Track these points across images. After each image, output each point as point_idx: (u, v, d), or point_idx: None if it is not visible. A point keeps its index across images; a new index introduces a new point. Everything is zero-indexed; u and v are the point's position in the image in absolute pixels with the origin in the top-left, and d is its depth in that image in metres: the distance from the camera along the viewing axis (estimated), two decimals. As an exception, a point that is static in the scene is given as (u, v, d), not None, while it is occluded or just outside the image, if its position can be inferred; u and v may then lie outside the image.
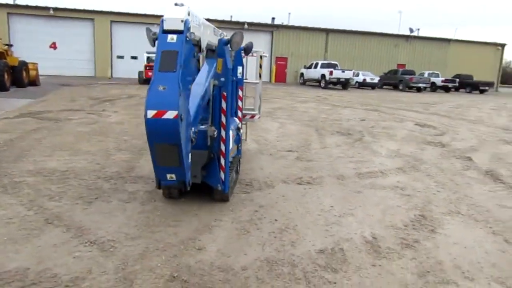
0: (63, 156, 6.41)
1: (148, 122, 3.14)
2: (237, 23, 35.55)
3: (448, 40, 41.43)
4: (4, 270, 3.02)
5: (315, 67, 31.84)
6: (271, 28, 37.14)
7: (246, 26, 35.28)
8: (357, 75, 32.68)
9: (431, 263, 3.44)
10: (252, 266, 3.23)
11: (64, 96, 16.10)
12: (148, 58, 25.72)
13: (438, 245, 3.81)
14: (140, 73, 26.33)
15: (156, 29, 3.56)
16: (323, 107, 16.30)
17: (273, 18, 38.76)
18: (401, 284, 3.10)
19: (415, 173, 6.44)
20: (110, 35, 34.06)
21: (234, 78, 5.12)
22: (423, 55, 40.97)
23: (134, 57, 34.14)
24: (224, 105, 4.27)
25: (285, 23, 38.97)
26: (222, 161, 4.34)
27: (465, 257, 3.60)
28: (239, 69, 5.37)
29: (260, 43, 34.76)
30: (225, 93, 4.25)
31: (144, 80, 25.19)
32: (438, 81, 34.54)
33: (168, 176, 3.49)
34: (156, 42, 3.73)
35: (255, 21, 35.89)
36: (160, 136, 3.20)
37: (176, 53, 3.17)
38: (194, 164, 3.89)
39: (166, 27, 3.32)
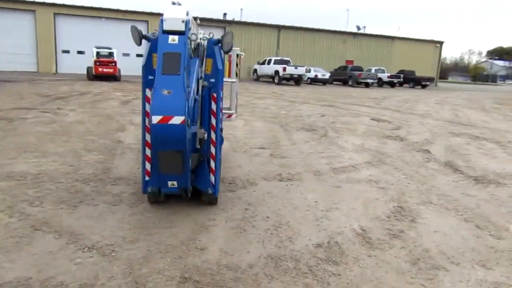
0: (30, 158, 6.09)
1: (154, 128, 2.99)
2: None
3: (392, 38, 43.45)
4: (4, 281, 2.89)
5: (268, 63, 32.19)
6: (223, 24, 37.01)
7: (198, 21, 34.78)
8: (309, 71, 33.47)
9: (419, 251, 3.71)
10: (258, 263, 3.31)
11: (10, 93, 15.15)
12: (98, 53, 24.72)
13: (421, 234, 4.10)
14: (89, 68, 25.25)
15: (152, 28, 3.54)
16: (281, 103, 16.58)
17: (224, 14, 38.69)
18: (398, 272, 3.32)
19: (383, 166, 6.80)
20: (54, 28, 32.33)
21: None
22: (370, 51, 42.70)
23: (81, 52, 32.69)
24: (214, 107, 4.22)
25: (237, 19, 39.00)
26: (212, 164, 4.26)
27: (447, 243, 3.91)
28: None
29: (213, 38, 34.55)
30: (215, 95, 4.18)
31: (94, 76, 24.18)
32: (384, 76, 36.22)
33: (170, 183, 3.40)
34: (145, 41, 3.70)
35: (207, 16, 35.54)
36: (166, 142, 3.08)
37: (179, 55, 3.07)
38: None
39: (166, 27, 3.21)
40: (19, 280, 2.91)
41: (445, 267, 3.44)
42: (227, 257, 3.39)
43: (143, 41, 4.61)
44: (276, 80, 30.39)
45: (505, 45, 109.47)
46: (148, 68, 4.06)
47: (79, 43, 32.26)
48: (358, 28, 42.76)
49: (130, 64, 31.63)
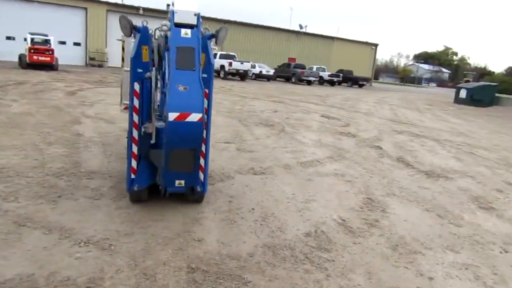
0: (-14, 152, 5.70)
1: (170, 125, 2.84)
2: (132, 7, 33.86)
3: (332, 38, 45.20)
4: (6, 278, 2.78)
5: (214, 57, 32.01)
6: (166, 15, 36.12)
7: (141, 11, 33.80)
8: (254, 67, 33.83)
9: (396, 238, 4.07)
10: (256, 253, 3.46)
11: None
12: (32, 40, 23.11)
13: (393, 223, 4.49)
14: (22, 56, 23.49)
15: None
16: (233, 98, 16.70)
17: (168, 5, 37.75)
18: (383, 257, 3.64)
19: (344, 161, 7.22)
20: (-21, 10, 29.66)
21: None
22: (311, 50, 44.06)
23: (10, 38, 30.33)
24: (206, 103, 4.10)
25: (181, 11, 38.26)
26: (202, 161, 4.12)
27: (417, 231, 4.32)
28: None
29: (157, 30, 33.77)
30: (207, 91, 4.02)
31: (27, 64, 22.57)
32: (325, 75, 37.62)
33: (177, 182, 3.25)
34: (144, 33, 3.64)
35: (151, 6, 34.56)
36: (182, 140, 2.96)
37: (193, 50, 2.97)
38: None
39: (177, 20, 3.04)
40: (21, 276, 2.81)
41: (421, 252, 3.82)
42: (226, 248, 3.50)
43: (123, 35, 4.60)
44: (221, 75, 30.37)
45: (429, 50, 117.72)
46: (137, 60, 4.02)
47: (8, 27, 29.89)
48: (301, 27, 43.96)
49: (67, 53, 29.96)
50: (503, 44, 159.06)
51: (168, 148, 2.93)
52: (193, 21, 3.02)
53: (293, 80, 35.58)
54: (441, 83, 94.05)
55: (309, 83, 35.57)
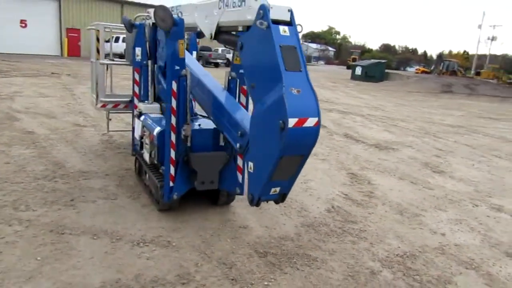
0: None
1: (290, 132, 2.50)
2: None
3: (121, 2, 43.03)
4: (95, 287, 2.70)
5: (116, 41, 30.21)
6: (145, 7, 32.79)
7: None
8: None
9: (395, 205, 4.71)
10: (301, 232, 3.78)
11: None
12: None
13: (384, 192, 5.13)
14: None
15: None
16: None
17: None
18: (398, 221, 4.23)
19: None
20: None
21: None
22: (102, 15, 41.31)
23: None
24: (244, 100, 3.85)
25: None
26: (239, 161, 3.92)
27: (406, 197, 5.02)
28: (194, 54, 5.34)
29: (47, 11, 30.73)
30: (244, 87, 3.75)
31: None
32: (230, 57, 37.96)
33: (273, 190, 2.89)
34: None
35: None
36: (298, 147, 2.66)
37: (295, 49, 2.67)
38: (212, 168, 3.74)
39: (273, 16, 2.69)
40: (109, 283, 2.75)
41: (421, 214, 4.50)
42: (273, 231, 3.75)
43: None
44: (127, 59, 28.86)
45: (316, 29, 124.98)
46: (175, 56, 3.67)
47: None
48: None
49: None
50: (378, 23, 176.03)
51: (280, 156, 2.62)
52: (287, 17, 2.71)
53: (200, 62, 35.27)
54: (328, 61, 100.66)
55: (216, 65, 35.64)
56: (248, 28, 2.81)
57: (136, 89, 4.86)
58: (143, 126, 4.24)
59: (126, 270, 2.92)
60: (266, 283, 2.92)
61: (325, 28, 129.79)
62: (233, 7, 2.94)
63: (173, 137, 3.63)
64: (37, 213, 3.69)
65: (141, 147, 4.32)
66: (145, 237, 3.43)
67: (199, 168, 3.68)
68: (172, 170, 3.69)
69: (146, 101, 4.64)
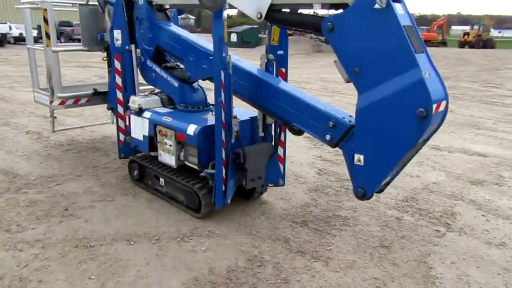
0: None
1: (435, 118, 2.31)
2: None
3: None
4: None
5: None
6: None
7: None
8: (10, 28, 28.44)
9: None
10: (314, 197, 4.02)
11: None
12: None
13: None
14: None
15: None
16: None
17: None
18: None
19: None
20: None
21: None
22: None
23: None
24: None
25: None
26: (280, 151, 3.63)
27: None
28: None
29: None
30: (283, 70, 3.42)
31: None
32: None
33: (385, 181, 2.71)
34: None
35: None
36: (429, 133, 2.51)
37: (413, 28, 2.40)
38: (260, 162, 3.36)
39: None
40: (191, 283, 2.63)
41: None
42: (290, 201, 3.90)
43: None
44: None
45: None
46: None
47: None
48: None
49: None
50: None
51: (414, 145, 2.42)
52: None
53: (61, 40, 31.72)
54: (191, 30, 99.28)
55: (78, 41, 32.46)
56: (336, 6, 2.60)
57: (118, 80, 4.14)
58: (154, 125, 3.62)
59: (195, 267, 2.81)
60: (328, 247, 3.11)
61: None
62: None
63: (223, 134, 3.10)
64: (39, 231, 3.22)
65: (152, 149, 3.74)
66: (182, 231, 3.28)
67: (250, 164, 3.26)
68: (223, 172, 3.18)
69: (141, 94, 4.00)
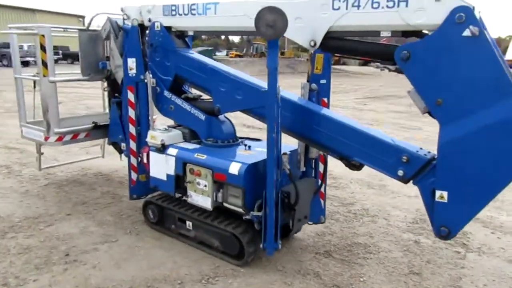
0: None
1: None
2: None
3: (33, 10, 39.58)
4: None
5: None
6: None
7: None
8: None
9: (356, 179, 5.24)
10: (326, 224, 3.92)
11: None
12: None
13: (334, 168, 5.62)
14: None
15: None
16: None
17: None
18: (376, 194, 4.76)
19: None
20: None
21: None
22: (9, 23, 37.26)
23: None
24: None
25: None
26: (322, 185, 3.35)
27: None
28: None
29: None
30: (325, 100, 3.07)
31: None
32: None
33: None
34: None
35: None
36: None
37: (502, 57, 2.32)
38: (306, 199, 3.10)
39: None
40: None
41: (383, 181, 5.15)
42: (305, 230, 3.77)
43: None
44: None
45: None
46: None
47: None
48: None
49: None
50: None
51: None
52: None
53: (4, 63, 29.99)
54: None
55: (26, 64, 30.80)
56: (408, 33, 2.50)
57: (132, 113, 3.76)
58: (184, 163, 3.25)
59: None
60: (361, 279, 3.01)
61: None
62: (375, 7, 2.50)
63: (275, 172, 2.79)
64: (44, 283, 2.86)
65: (179, 188, 3.35)
66: (204, 272, 3.05)
67: (300, 202, 2.95)
68: (273, 214, 2.82)
69: (161, 128, 3.59)
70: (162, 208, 3.62)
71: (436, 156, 2.41)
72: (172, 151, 3.36)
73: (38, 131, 4.22)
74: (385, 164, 2.61)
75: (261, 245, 2.91)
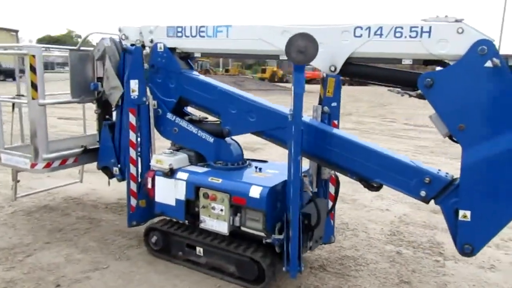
0: None
1: None
2: None
3: None
4: None
5: None
6: None
7: None
8: None
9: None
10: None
11: None
12: None
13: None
14: None
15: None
16: None
17: None
18: (351, 209, 5.00)
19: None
20: None
21: None
22: None
23: None
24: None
25: None
26: (330, 204, 3.32)
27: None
28: None
29: None
30: (336, 122, 3.12)
31: None
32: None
33: None
34: None
35: None
36: None
37: None
38: (323, 219, 3.07)
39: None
40: None
41: (353, 195, 5.42)
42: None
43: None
44: None
45: (53, 33, 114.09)
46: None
47: None
48: None
49: None
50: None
51: None
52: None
53: None
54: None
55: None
56: (433, 62, 2.71)
57: (133, 137, 3.62)
58: (196, 187, 3.19)
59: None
60: (358, 290, 3.17)
61: (64, 32, 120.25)
62: (397, 37, 2.71)
63: (297, 194, 2.75)
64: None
65: (188, 213, 3.29)
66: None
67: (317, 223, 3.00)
68: (297, 236, 2.77)
69: (167, 152, 3.48)
70: (168, 234, 3.50)
71: (455, 177, 2.63)
72: (182, 175, 3.28)
73: (21, 158, 3.90)
74: (406, 185, 2.76)
75: (284, 268, 2.87)
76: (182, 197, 3.27)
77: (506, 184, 2.42)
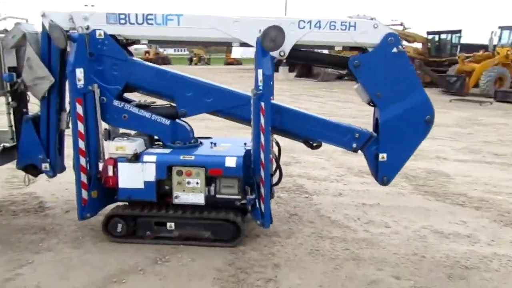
0: None
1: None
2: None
3: None
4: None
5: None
6: None
7: None
8: None
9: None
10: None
11: None
12: None
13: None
14: None
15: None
16: None
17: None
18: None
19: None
20: None
21: None
22: None
23: None
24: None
25: None
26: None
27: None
28: None
29: None
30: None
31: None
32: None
33: None
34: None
35: None
36: None
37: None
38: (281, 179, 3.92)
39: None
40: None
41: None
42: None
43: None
44: None
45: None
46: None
47: None
48: None
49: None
50: None
51: (422, 140, 3.55)
52: None
53: None
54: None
55: None
56: (357, 49, 3.51)
57: (81, 127, 3.46)
58: (168, 167, 3.42)
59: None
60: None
61: None
62: (332, 29, 3.39)
63: (268, 159, 3.44)
64: None
65: (160, 191, 3.51)
66: (151, 256, 3.34)
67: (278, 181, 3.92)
68: (269, 193, 3.57)
69: (120, 138, 3.55)
70: (134, 217, 3.57)
71: (374, 133, 3.61)
72: (150, 158, 3.46)
73: None
74: (342, 141, 3.69)
75: (258, 222, 3.53)
76: (152, 178, 3.46)
77: (408, 132, 3.46)
